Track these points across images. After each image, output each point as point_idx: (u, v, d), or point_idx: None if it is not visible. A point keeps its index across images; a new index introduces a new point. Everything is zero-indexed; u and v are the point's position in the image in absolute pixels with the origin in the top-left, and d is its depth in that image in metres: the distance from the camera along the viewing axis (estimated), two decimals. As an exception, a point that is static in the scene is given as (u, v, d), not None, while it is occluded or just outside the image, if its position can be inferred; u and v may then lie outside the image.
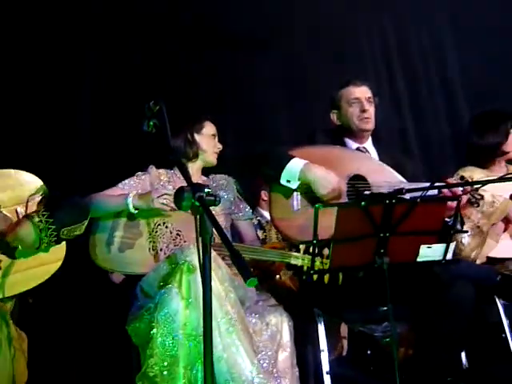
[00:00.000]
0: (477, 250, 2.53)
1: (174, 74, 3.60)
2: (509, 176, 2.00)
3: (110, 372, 2.42)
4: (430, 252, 1.93)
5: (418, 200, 1.87)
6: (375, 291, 2.02)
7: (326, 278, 2.09)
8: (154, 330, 1.91)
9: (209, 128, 2.49)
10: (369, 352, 3.02)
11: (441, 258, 1.94)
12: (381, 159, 2.58)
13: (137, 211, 2.19)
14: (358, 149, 2.58)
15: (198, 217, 1.44)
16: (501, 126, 2.79)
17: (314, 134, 2.60)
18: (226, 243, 1.35)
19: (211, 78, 3.68)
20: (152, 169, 2.43)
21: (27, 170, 2.16)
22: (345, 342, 3.32)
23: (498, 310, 2.49)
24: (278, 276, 2.88)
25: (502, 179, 2.07)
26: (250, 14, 3.74)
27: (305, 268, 2.11)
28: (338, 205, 1.93)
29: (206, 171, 2.60)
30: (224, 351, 1.87)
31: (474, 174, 2.72)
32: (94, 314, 2.70)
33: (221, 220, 2.42)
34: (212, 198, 1.46)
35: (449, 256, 1.97)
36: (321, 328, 2.35)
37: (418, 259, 1.94)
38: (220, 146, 2.51)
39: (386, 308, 1.90)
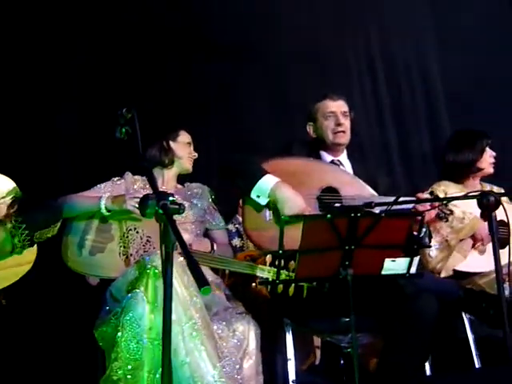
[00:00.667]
0: (443, 262, 2.58)
1: (158, 82, 3.63)
2: (473, 194, 2.04)
3: (78, 376, 2.43)
4: (394, 265, 1.97)
5: (383, 214, 1.91)
6: (341, 302, 2.06)
7: (291, 290, 2.12)
8: (119, 334, 1.93)
9: (184, 136, 2.54)
10: (342, 362, 3.05)
11: (404, 271, 1.98)
12: (355, 172, 2.63)
13: (109, 213, 2.22)
14: (332, 161, 2.62)
15: (161, 224, 1.46)
16: (476, 143, 2.86)
17: (291, 146, 2.64)
18: (184, 251, 1.38)
19: (195, 88, 3.72)
20: (128, 175, 2.46)
21: (5, 172, 2.18)
22: (318, 352, 3.36)
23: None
24: (253, 284, 2.92)
25: (466, 197, 2.12)
26: (235, 26, 3.79)
27: (270, 280, 2.14)
28: (305, 217, 1.96)
29: (183, 179, 2.65)
30: (187, 356, 1.90)
31: (449, 188, 2.78)
32: (67, 317, 2.71)
33: (193, 227, 2.45)
34: (176, 207, 1.49)
35: (413, 270, 2.01)
36: (289, 337, 2.37)
37: (383, 272, 1.98)
38: (195, 154, 2.55)
39: (348, 319, 1.92)
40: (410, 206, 2.27)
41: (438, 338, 2.55)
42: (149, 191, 2.40)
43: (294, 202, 2.23)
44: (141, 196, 2.13)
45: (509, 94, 4.09)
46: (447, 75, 4.13)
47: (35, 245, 2.15)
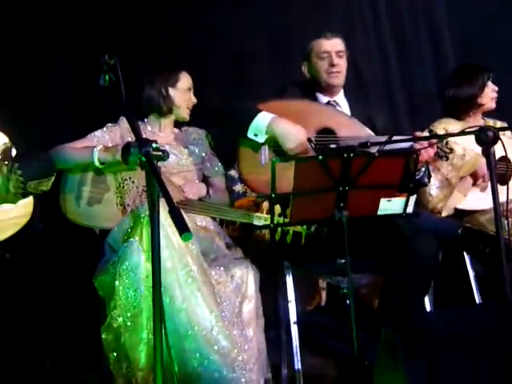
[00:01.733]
0: (443, 201, 2.55)
1: (151, 25, 3.52)
2: (471, 129, 1.98)
3: (80, 324, 2.48)
4: (390, 205, 1.95)
5: (376, 154, 1.87)
6: (338, 244, 2.05)
7: (289, 237, 2.12)
8: (117, 283, 1.94)
9: (184, 81, 2.46)
10: (348, 302, 3.09)
11: (401, 211, 1.96)
12: (352, 112, 2.57)
13: (103, 165, 2.20)
14: (328, 102, 2.56)
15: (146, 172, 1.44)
16: (477, 78, 2.76)
17: (285, 88, 2.57)
18: (166, 198, 1.36)
19: (191, 33, 3.61)
20: (122, 120, 2.40)
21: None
22: (323, 293, 3.40)
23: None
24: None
25: (464, 133, 2.06)
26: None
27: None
28: (296, 159, 1.92)
29: (180, 124, 2.59)
30: (183, 302, 1.91)
31: (450, 125, 2.71)
32: (71, 268, 2.74)
33: (191, 174, 2.43)
34: (160, 154, 1.46)
35: (409, 209, 1.98)
36: (289, 279, 2.39)
37: (379, 213, 1.96)
38: (194, 101, 2.48)
39: (343, 260, 1.92)
40: (407, 144, 2.23)
41: (440, 276, 2.57)
42: (147, 136, 2.36)
43: (295, 133, 2.21)
44: None
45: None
46: (452, 8, 3.99)
47: (31, 197, 2.15)
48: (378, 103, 3.89)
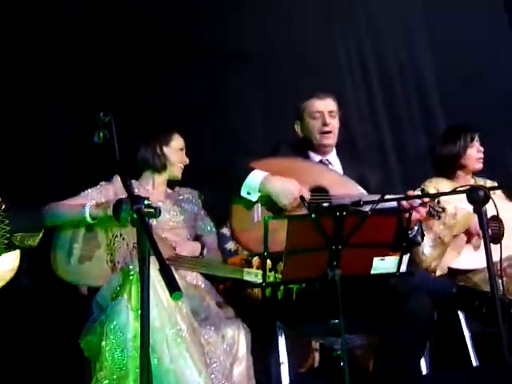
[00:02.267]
0: (437, 260, 2.53)
1: (147, 86, 3.60)
2: (462, 189, 2.00)
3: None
4: (384, 264, 1.93)
5: (369, 212, 1.87)
6: (331, 304, 2.01)
7: (280, 293, 2.09)
8: (103, 343, 1.89)
9: (177, 141, 2.53)
10: (341, 363, 3.01)
11: (394, 270, 1.94)
12: (345, 171, 2.59)
13: (94, 221, 2.18)
14: (321, 161, 2.58)
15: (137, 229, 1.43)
16: (460, 139, 2.81)
17: (277, 147, 2.60)
18: (157, 255, 1.34)
19: (187, 90, 3.69)
20: (117, 179, 2.42)
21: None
22: (316, 354, 3.31)
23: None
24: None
25: (455, 192, 2.07)
26: (224, 28, 3.77)
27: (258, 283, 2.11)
28: (288, 217, 1.92)
29: (172, 183, 2.61)
30: (171, 363, 1.86)
31: (440, 185, 2.73)
32: (57, 327, 2.67)
33: (184, 231, 2.42)
34: (151, 211, 1.45)
35: (403, 268, 1.96)
36: (281, 340, 2.33)
37: (372, 272, 1.94)
38: (187, 161, 2.53)
39: (337, 321, 1.88)
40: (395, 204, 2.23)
41: (435, 336, 2.51)
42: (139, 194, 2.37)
43: (289, 189, 2.21)
44: None
45: (505, 90, 4.08)
46: (441, 72, 4.12)
47: (18, 251, 2.12)
48: (370, 163, 3.99)
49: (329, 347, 2.51)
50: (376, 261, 1.92)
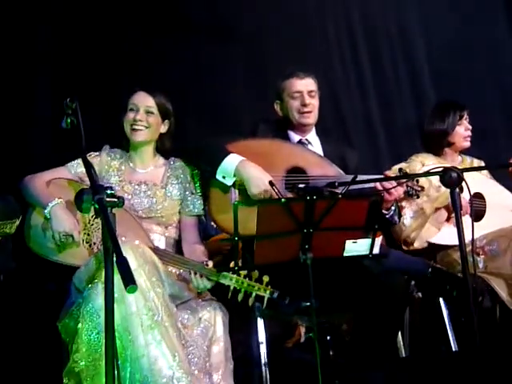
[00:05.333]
0: (416, 231, 2.53)
1: (132, 60, 3.56)
2: (435, 170, 1.99)
3: (44, 370, 2.42)
4: (356, 247, 1.94)
5: (339, 196, 1.87)
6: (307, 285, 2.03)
7: (251, 300, 2.11)
8: (80, 325, 1.91)
9: (133, 99, 2.37)
10: (328, 338, 3.05)
11: (367, 252, 1.95)
12: (324, 151, 2.58)
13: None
14: (300, 141, 2.57)
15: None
16: (448, 116, 2.77)
17: (257, 126, 2.59)
18: (115, 248, 1.35)
19: (172, 65, 3.65)
20: (105, 150, 2.38)
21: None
22: (302, 329, 3.36)
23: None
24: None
25: (428, 173, 2.07)
26: (211, 2, 3.71)
27: (231, 289, 2.10)
28: (258, 202, 1.92)
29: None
30: (145, 348, 1.87)
31: (427, 160, 2.72)
32: (36, 312, 2.69)
33: (163, 220, 2.33)
34: (115, 200, 1.45)
35: (376, 250, 1.98)
36: (260, 320, 2.36)
37: (345, 254, 1.95)
38: (139, 120, 2.31)
39: (308, 303, 1.90)
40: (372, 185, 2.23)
41: (421, 318, 2.54)
42: (123, 174, 2.34)
43: (262, 179, 2.18)
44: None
45: (496, 63, 4.04)
46: (431, 45, 4.06)
47: None
48: (359, 138, 3.97)
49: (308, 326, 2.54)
50: (348, 243, 1.93)
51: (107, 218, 1.39)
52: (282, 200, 1.83)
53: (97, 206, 1.42)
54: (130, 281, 1.26)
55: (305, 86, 2.54)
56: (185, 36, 3.69)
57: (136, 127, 2.31)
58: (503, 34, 4.12)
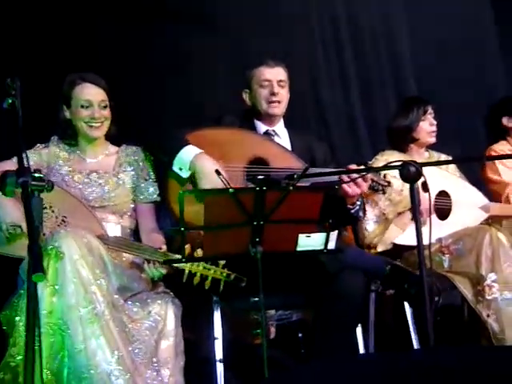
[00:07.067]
0: (379, 236, 2.48)
1: (110, 47, 3.47)
2: (394, 164, 1.91)
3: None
4: (310, 241, 1.85)
5: (291, 188, 1.79)
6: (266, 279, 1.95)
7: (207, 283, 2.03)
8: (17, 318, 1.83)
9: (81, 90, 2.26)
10: (300, 335, 2.99)
11: (322, 247, 1.87)
12: (292, 142, 2.51)
13: None
14: (267, 131, 2.49)
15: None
16: (412, 112, 2.71)
17: (221, 116, 2.51)
18: (30, 235, 1.27)
19: (149, 52, 3.56)
20: (53, 141, 2.30)
21: None
22: (272, 326, 3.30)
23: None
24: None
25: (387, 167, 1.99)
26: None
27: (186, 272, 2.02)
28: (205, 192, 1.84)
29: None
30: (83, 342, 1.79)
31: (392, 157, 2.64)
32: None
33: (117, 208, 2.26)
34: (42, 184, 1.37)
35: (331, 245, 1.90)
36: (216, 315, 2.28)
37: (298, 249, 1.87)
38: (98, 116, 2.23)
39: (257, 298, 1.82)
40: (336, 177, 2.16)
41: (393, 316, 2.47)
42: (73, 164, 2.27)
43: (213, 176, 2.07)
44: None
45: (479, 62, 3.98)
46: (415, 42, 4.00)
47: None
48: (340, 130, 3.91)
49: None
50: (302, 237, 1.85)
51: (28, 203, 1.31)
52: (230, 190, 1.75)
53: (20, 190, 1.34)
54: (36, 269, 1.19)
55: (274, 74, 2.47)
56: (161, 23, 3.61)
57: (94, 124, 2.24)
58: (487, 33, 4.08)
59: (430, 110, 2.72)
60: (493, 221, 2.65)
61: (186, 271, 2.02)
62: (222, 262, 2.05)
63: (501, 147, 2.90)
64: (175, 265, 2.03)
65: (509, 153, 2.81)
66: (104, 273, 1.92)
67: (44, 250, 1.87)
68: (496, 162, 2.81)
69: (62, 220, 2.16)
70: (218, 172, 1.97)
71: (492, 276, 2.36)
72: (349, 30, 3.99)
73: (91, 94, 2.23)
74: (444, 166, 2.72)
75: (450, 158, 2.80)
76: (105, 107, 2.26)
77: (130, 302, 2.02)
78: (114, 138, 2.37)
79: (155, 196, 2.32)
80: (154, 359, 1.98)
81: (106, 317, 1.84)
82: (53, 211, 2.18)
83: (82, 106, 2.23)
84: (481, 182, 2.92)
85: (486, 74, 4.01)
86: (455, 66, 3.90)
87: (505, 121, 2.94)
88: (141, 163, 2.32)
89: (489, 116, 3.02)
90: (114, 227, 2.23)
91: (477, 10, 4.08)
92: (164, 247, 2.10)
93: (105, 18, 3.46)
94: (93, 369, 1.78)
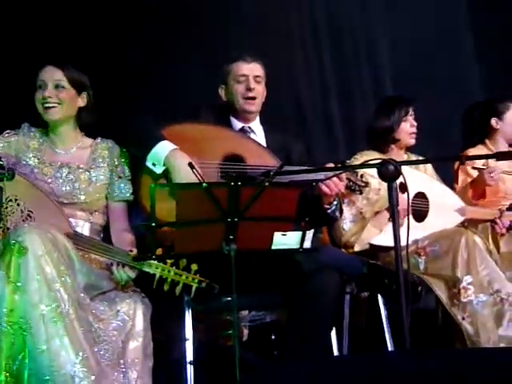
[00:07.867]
0: (356, 235, 2.45)
1: (92, 44, 3.39)
2: (372, 162, 1.88)
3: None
4: (286, 240, 1.80)
5: (266, 184, 1.74)
6: (238, 279, 1.89)
7: (178, 289, 1.97)
8: (-23, 314, 1.74)
9: (41, 75, 2.18)
10: (273, 337, 2.94)
11: (297, 246, 1.82)
12: (267, 140, 2.46)
13: None
14: (242, 128, 2.44)
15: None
16: (394, 112, 2.68)
17: (198, 111, 2.45)
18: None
19: (132, 50, 3.50)
20: (24, 129, 2.19)
21: None
22: (244, 328, 3.24)
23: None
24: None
25: (364, 165, 1.96)
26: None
27: (156, 277, 1.96)
28: (178, 185, 1.77)
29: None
30: (46, 343, 1.70)
31: (371, 158, 2.61)
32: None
33: (87, 206, 2.15)
34: (2, 172, 1.29)
35: (307, 244, 1.85)
36: (188, 315, 2.21)
37: (273, 247, 1.81)
38: (49, 98, 2.12)
39: (229, 298, 1.77)
40: (319, 176, 2.12)
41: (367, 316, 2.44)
42: (43, 156, 2.16)
43: (187, 173, 2.01)
44: None
45: (456, 69, 3.99)
46: (394, 44, 4.00)
47: None
48: (316, 131, 3.89)
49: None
50: (277, 236, 1.79)
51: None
52: (203, 185, 1.69)
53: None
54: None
55: (251, 70, 2.42)
56: (144, 21, 3.55)
57: (47, 105, 2.12)
58: (465, 35, 4.10)
59: (411, 111, 2.69)
60: (469, 224, 2.64)
61: (157, 276, 1.96)
62: (195, 268, 1.99)
63: (478, 152, 2.88)
64: (145, 269, 1.95)
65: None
66: (69, 270, 1.83)
67: (7, 245, 1.79)
68: (469, 169, 2.79)
69: (28, 215, 2.05)
70: (191, 165, 1.90)
71: (468, 278, 2.35)
72: (327, 29, 3.99)
73: (46, 74, 2.14)
74: (422, 169, 2.70)
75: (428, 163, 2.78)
76: (61, 87, 2.13)
77: (97, 301, 1.94)
78: (89, 129, 2.27)
79: (128, 195, 2.22)
80: (122, 361, 1.90)
81: (71, 316, 1.76)
82: (18, 204, 2.07)
83: (40, 87, 2.15)
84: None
85: (462, 74, 4.00)
86: (433, 68, 3.93)
87: (493, 122, 2.92)
88: (116, 159, 2.22)
89: (468, 117, 3.00)
90: (83, 224, 2.13)
91: (452, 10, 4.10)
92: (135, 250, 2.02)
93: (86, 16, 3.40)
94: (56, 370, 1.69)
